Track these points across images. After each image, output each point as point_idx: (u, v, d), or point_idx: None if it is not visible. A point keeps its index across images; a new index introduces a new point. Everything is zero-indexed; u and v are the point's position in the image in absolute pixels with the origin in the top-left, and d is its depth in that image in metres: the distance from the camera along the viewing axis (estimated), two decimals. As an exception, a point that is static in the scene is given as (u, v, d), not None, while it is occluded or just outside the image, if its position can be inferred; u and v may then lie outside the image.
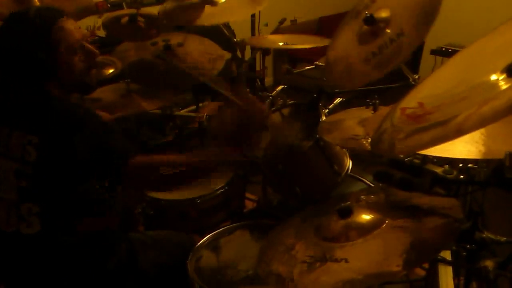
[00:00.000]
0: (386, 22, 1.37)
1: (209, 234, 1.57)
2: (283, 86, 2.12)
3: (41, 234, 1.24)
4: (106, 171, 1.30)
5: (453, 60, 1.01)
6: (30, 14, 1.25)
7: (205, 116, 2.05)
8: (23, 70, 1.26)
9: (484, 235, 1.03)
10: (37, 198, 1.24)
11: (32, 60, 1.24)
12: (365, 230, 1.04)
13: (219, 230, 1.60)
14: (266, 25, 2.17)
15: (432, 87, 0.97)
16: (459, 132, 0.74)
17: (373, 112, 1.60)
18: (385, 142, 0.90)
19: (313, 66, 1.87)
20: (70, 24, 1.28)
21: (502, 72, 0.80)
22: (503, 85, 0.78)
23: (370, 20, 1.39)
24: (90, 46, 1.32)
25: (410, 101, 0.95)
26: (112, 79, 2.19)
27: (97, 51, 1.34)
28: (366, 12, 1.40)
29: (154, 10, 2.18)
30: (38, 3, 1.76)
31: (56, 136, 1.22)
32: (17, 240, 1.25)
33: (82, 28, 1.33)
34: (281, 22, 2.21)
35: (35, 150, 1.21)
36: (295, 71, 1.89)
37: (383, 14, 1.39)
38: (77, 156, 1.21)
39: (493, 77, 0.81)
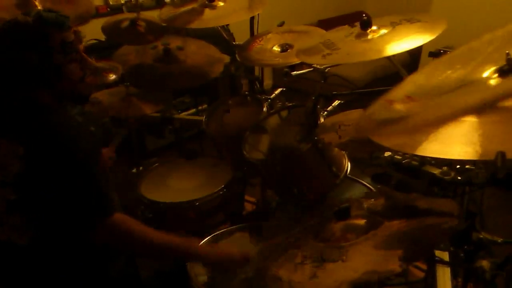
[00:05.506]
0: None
1: (208, 236, 1.57)
2: (281, 88, 2.12)
3: (34, 244, 1.22)
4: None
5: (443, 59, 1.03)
6: (29, 19, 1.20)
7: (204, 119, 2.05)
8: (15, 77, 1.22)
9: (481, 236, 1.03)
10: (23, 210, 1.20)
11: (26, 67, 1.19)
12: (363, 231, 1.04)
13: (218, 232, 1.60)
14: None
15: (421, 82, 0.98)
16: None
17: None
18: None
19: (312, 69, 1.87)
20: (70, 32, 1.23)
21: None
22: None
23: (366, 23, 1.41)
24: (85, 55, 1.28)
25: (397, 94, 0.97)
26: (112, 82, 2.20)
27: (90, 59, 1.29)
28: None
29: (154, 14, 2.19)
30: (39, 7, 1.76)
31: (41, 147, 1.17)
32: (11, 249, 1.23)
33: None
34: (280, 25, 2.22)
35: (19, 160, 1.17)
36: (293, 74, 1.89)
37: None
38: (62, 169, 1.16)
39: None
